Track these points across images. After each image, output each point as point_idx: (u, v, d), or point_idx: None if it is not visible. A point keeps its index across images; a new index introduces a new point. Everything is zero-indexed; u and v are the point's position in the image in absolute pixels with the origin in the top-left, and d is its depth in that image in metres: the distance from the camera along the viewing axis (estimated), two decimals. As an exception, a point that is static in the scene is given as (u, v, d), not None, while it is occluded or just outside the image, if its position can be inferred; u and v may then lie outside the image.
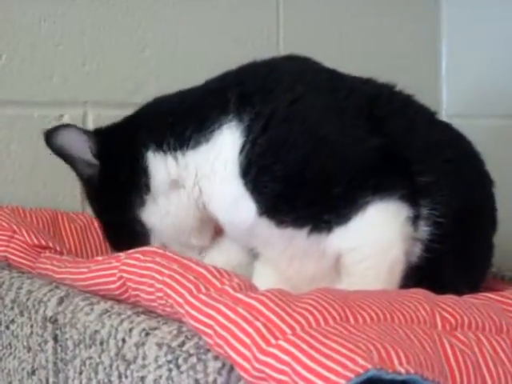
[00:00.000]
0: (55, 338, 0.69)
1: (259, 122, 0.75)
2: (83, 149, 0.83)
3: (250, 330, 0.50)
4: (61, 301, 0.70)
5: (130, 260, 0.65)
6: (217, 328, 0.53)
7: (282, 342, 0.48)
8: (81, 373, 0.65)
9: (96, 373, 0.63)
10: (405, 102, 0.83)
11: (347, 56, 1.29)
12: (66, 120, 1.08)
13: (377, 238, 0.75)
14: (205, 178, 0.78)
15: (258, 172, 0.74)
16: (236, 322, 0.52)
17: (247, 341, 0.50)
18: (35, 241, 0.84)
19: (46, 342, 0.70)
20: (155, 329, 0.59)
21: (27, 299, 0.74)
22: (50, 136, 0.82)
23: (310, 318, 0.51)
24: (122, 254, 0.67)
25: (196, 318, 0.55)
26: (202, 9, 1.21)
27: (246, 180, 0.75)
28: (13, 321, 0.75)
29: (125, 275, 0.65)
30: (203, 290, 0.58)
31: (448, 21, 1.46)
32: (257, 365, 0.48)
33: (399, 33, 1.43)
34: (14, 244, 0.84)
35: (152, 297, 0.62)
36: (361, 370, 0.44)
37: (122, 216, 0.82)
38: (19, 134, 1.05)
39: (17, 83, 1.06)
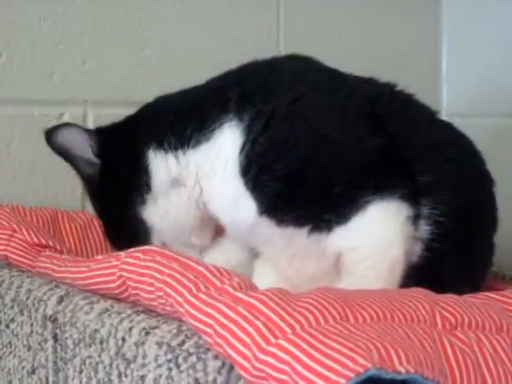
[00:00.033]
0: (55, 337, 0.69)
1: (260, 120, 0.75)
2: (84, 147, 0.83)
3: (250, 329, 0.50)
4: (61, 300, 0.70)
5: (129, 259, 0.65)
6: (217, 327, 0.53)
7: (281, 341, 0.48)
8: (81, 372, 0.65)
9: (96, 372, 0.63)
10: (406, 102, 0.83)
11: (347, 55, 1.29)
12: (66, 119, 1.08)
13: (377, 237, 0.75)
14: (205, 177, 0.78)
15: (258, 171, 0.74)
16: (236, 321, 0.52)
17: (247, 340, 0.50)
18: (35, 240, 0.84)
19: (45, 340, 0.70)
20: (155, 328, 0.59)
21: (27, 298, 0.74)
22: (50, 135, 0.82)
23: (310, 317, 0.51)
24: (121, 253, 0.67)
25: (196, 317, 0.55)
26: (202, 8, 1.21)
27: (247, 179, 0.75)
28: (13, 320, 0.75)
29: (125, 274, 0.65)
30: (203, 289, 0.57)
31: (448, 20, 1.46)
32: (257, 364, 0.48)
33: (400, 32, 1.43)
34: (13, 243, 0.84)
35: (152, 296, 0.62)
36: (361, 370, 0.43)
37: (123, 215, 0.82)
38: (19, 133, 1.05)
39: (17, 82, 1.06)
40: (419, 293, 0.60)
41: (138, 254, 0.65)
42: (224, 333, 0.52)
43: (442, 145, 0.80)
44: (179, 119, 0.80)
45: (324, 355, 0.45)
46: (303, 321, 0.50)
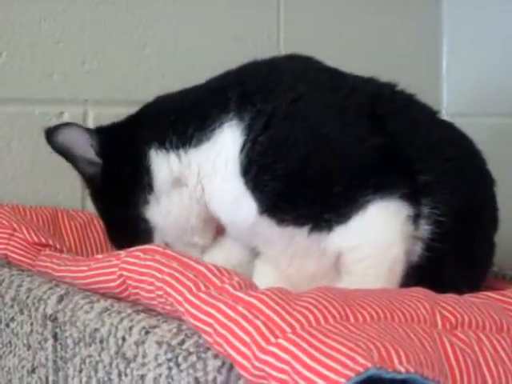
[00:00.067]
0: (55, 336, 0.68)
1: (260, 120, 0.75)
2: (85, 147, 0.83)
3: (250, 328, 0.50)
4: (61, 299, 0.70)
5: (130, 258, 0.65)
6: (216, 326, 0.53)
7: (281, 341, 0.48)
8: (81, 371, 0.65)
9: (96, 371, 0.63)
10: (406, 101, 0.83)
11: (348, 55, 1.29)
12: (66, 118, 1.08)
13: (377, 236, 0.75)
14: (206, 177, 0.78)
15: (258, 171, 0.74)
16: (236, 321, 0.52)
17: (247, 339, 0.50)
18: (35, 239, 0.84)
19: (45, 340, 0.70)
20: (155, 327, 0.59)
21: (27, 297, 0.74)
22: (51, 134, 0.82)
23: (310, 316, 0.51)
24: (122, 252, 0.67)
25: (196, 317, 0.55)
26: (203, 7, 1.21)
27: (247, 179, 0.75)
28: (13, 319, 0.75)
29: (125, 273, 0.65)
30: (203, 288, 0.57)
31: (449, 20, 1.46)
32: (256, 363, 0.48)
33: (400, 32, 1.43)
34: (14, 242, 0.84)
35: (152, 295, 0.62)
36: (361, 369, 0.43)
37: (125, 214, 0.82)
38: (20, 132, 1.05)
39: (17, 81, 1.06)
40: (419, 292, 0.60)
41: (138, 253, 0.65)
42: (224, 332, 0.52)
43: (442, 144, 0.80)
44: (180, 118, 0.80)
45: (324, 355, 0.45)
46: (303, 320, 0.50)
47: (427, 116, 0.84)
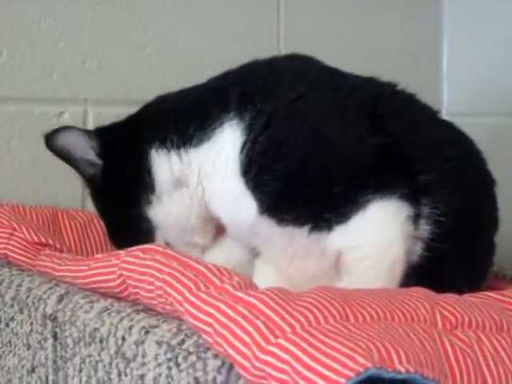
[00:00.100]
0: (55, 336, 0.68)
1: (260, 120, 0.75)
2: (85, 149, 0.83)
3: (250, 328, 0.50)
4: (60, 298, 0.70)
5: (129, 258, 0.65)
6: (216, 326, 0.52)
7: (281, 341, 0.48)
8: (80, 371, 0.65)
9: (96, 371, 0.63)
10: (407, 101, 0.83)
11: (348, 55, 1.29)
12: (66, 117, 1.08)
13: (377, 236, 0.75)
14: (207, 177, 0.78)
15: (258, 170, 0.74)
16: (236, 321, 0.51)
17: (247, 339, 0.50)
18: (35, 238, 0.84)
19: (45, 339, 0.70)
20: (155, 327, 0.59)
21: (27, 297, 0.74)
22: (50, 138, 0.82)
23: (310, 316, 0.51)
24: (121, 252, 0.67)
25: (195, 316, 0.55)
26: (203, 6, 1.21)
27: (247, 178, 0.75)
28: (12, 318, 0.75)
29: (125, 273, 0.65)
30: (203, 288, 0.57)
31: (449, 20, 1.46)
32: (256, 363, 0.48)
33: (400, 31, 1.42)
34: (13, 241, 0.84)
35: (152, 295, 0.62)
36: (361, 369, 0.43)
37: (126, 214, 0.82)
38: (19, 131, 1.05)
39: (17, 80, 1.06)
40: (419, 292, 0.60)
41: (137, 253, 0.65)
42: (224, 332, 0.52)
43: (442, 144, 0.80)
44: (181, 118, 0.80)
45: (324, 354, 0.45)
46: (303, 320, 0.50)
47: (427, 116, 0.84)
